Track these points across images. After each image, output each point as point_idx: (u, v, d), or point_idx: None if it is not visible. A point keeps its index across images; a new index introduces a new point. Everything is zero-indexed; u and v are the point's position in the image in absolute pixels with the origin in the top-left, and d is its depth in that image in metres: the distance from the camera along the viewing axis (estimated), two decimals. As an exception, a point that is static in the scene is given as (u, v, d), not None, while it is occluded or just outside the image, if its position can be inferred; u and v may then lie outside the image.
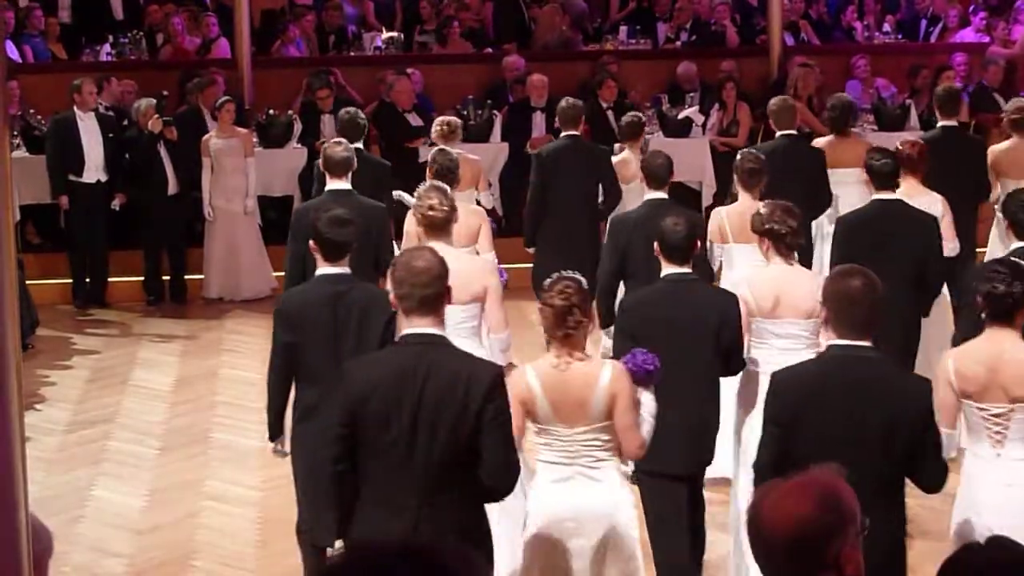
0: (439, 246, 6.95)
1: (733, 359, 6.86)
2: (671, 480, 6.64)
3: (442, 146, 9.90)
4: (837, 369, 5.38)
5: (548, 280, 5.85)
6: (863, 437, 5.26)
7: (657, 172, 8.79)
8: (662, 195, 8.77)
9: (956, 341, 7.27)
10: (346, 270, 6.79)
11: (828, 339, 5.51)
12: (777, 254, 7.14)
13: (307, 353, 6.69)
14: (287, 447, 7.00)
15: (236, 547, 8.16)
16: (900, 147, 9.14)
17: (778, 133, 10.80)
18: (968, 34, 16.84)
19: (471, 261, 7.52)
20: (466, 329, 7.22)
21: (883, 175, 8.55)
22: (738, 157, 8.97)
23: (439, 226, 7.28)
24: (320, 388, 6.53)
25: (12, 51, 15.26)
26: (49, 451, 9.67)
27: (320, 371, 6.57)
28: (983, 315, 5.90)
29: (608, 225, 9.00)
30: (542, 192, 10.83)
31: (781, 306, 7.07)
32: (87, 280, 13.54)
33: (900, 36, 17.28)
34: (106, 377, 11.44)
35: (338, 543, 5.49)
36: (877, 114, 14.56)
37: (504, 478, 5.22)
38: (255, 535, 8.25)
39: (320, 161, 9.44)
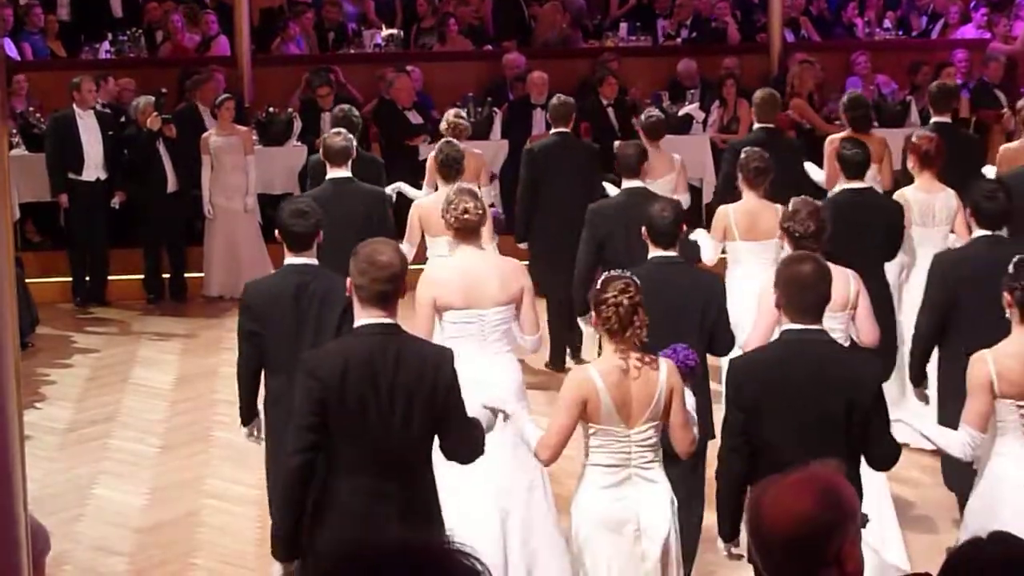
0: (471, 250, 7.19)
1: (719, 338, 7.06)
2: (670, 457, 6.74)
3: (449, 139, 9.93)
4: (794, 353, 5.57)
5: (602, 279, 5.87)
6: (825, 417, 5.47)
7: (629, 161, 9.03)
8: (638, 183, 8.99)
9: (919, 326, 7.58)
10: (312, 260, 6.88)
11: (782, 323, 5.70)
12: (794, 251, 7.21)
13: (272, 342, 6.79)
14: (261, 433, 7.11)
15: (237, 545, 8.15)
16: (916, 141, 9.12)
17: (756, 125, 10.85)
18: (969, 30, 16.84)
19: (506, 263, 7.50)
20: (502, 330, 7.21)
21: (854, 165, 8.76)
22: (743, 155, 8.96)
23: (471, 230, 7.23)
24: (285, 377, 6.58)
25: (11, 49, 15.25)
26: (49, 450, 9.67)
27: (285, 360, 6.63)
28: (1019, 313, 5.94)
29: (587, 215, 9.12)
30: (533, 188, 10.92)
31: None
32: (87, 278, 13.53)
33: (901, 32, 17.27)
34: (106, 375, 11.43)
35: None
36: (878, 111, 14.51)
37: (477, 447, 5.61)
38: (255, 533, 8.23)
39: (320, 152, 9.60)
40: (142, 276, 13.58)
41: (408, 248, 9.14)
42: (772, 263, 8.14)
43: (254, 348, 6.83)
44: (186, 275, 13.65)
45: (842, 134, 10.56)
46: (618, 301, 5.71)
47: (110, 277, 13.61)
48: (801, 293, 5.55)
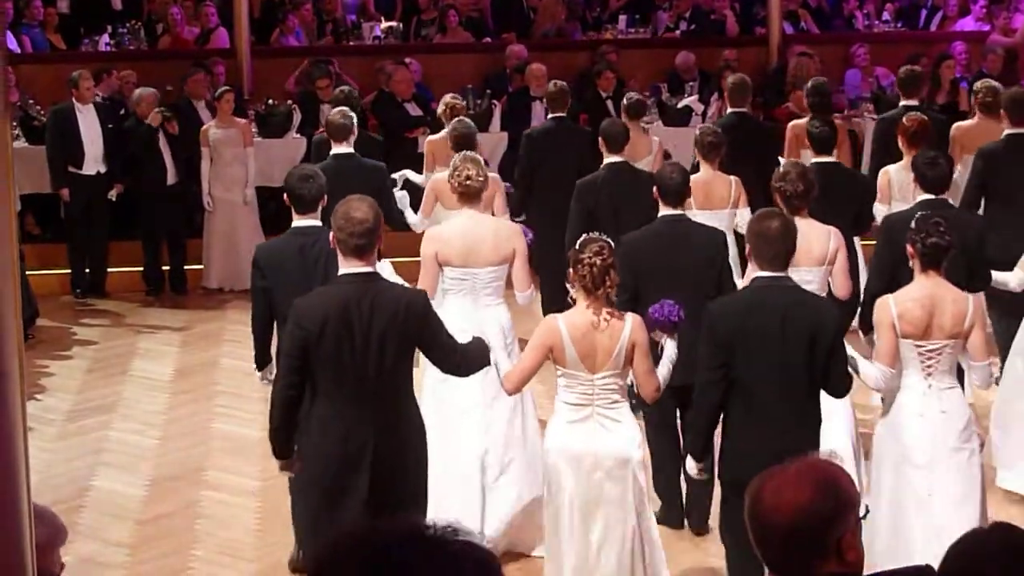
0: (472, 213, 7.83)
1: (725, 286, 7.63)
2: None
3: (462, 116, 10.20)
4: (763, 296, 6.30)
5: (580, 241, 6.45)
6: (789, 353, 6.19)
7: (618, 138, 9.74)
8: (620, 158, 9.71)
9: (870, 281, 8.19)
10: (316, 222, 7.29)
11: (752, 271, 6.46)
12: (787, 209, 7.68)
13: (280, 297, 7.05)
14: (271, 376, 7.31)
15: (236, 536, 8.17)
16: (905, 122, 9.65)
17: (729, 110, 11.44)
18: (968, 23, 16.83)
19: (501, 225, 8.10)
20: (493, 287, 7.82)
21: (822, 141, 9.50)
22: (698, 131, 9.70)
23: (473, 195, 7.81)
24: None
25: (11, 41, 15.24)
26: (49, 441, 9.68)
27: None
28: (919, 263, 6.61)
29: (575, 189, 9.69)
30: (531, 170, 11.33)
31: (798, 253, 7.30)
32: (87, 271, 13.53)
33: (900, 24, 17.26)
34: (106, 367, 11.44)
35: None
36: (876, 102, 14.55)
37: (465, 360, 6.34)
38: (255, 524, 8.26)
39: (323, 131, 10.06)
40: (142, 268, 13.58)
41: (421, 219, 9.72)
42: (727, 230, 9.01)
43: (264, 302, 7.25)
44: (185, 267, 13.65)
45: (803, 119, 11.17)
46: (592, 261, 6.33)
47: (110, 269, 13.61)
48: (767, 245, 6.27)
